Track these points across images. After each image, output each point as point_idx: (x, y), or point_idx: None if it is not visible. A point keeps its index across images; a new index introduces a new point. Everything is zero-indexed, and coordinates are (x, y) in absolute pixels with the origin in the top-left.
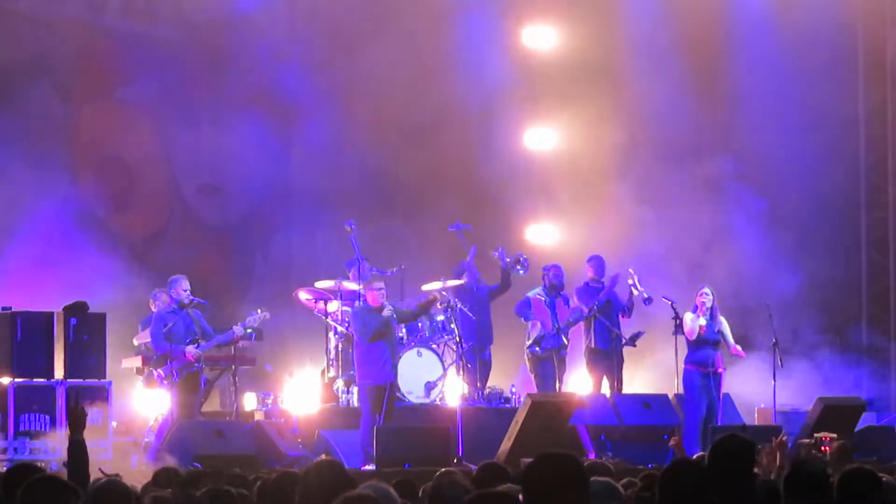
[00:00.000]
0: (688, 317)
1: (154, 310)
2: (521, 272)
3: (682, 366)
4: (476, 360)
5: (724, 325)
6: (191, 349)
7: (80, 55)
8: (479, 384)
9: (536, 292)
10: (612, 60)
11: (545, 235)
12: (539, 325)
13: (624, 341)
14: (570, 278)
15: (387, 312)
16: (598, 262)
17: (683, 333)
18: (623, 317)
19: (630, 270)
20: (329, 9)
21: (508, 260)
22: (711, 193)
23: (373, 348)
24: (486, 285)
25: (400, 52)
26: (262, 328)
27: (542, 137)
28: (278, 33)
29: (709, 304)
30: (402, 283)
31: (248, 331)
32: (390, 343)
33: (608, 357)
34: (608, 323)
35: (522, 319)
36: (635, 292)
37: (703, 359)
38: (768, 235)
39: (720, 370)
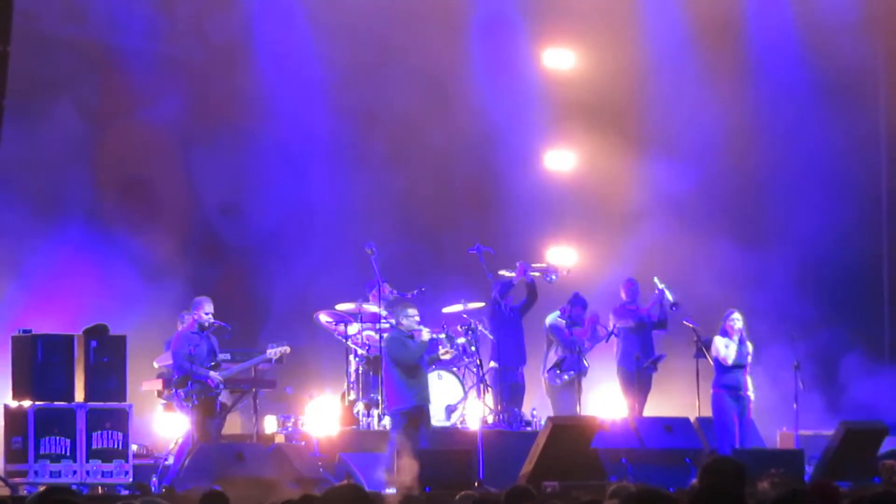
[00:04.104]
0: (720, 342)
1: None
2: (554, 278)
3: (704, 389)
4: (508, 381)
5: (750, 350)
6: (214, 375)
7: (101, 76)
8: (499, 405)
9: (557, 318)
10: (632, 83)
11: (565, 257)
12: (560, 348)
13: (645, 365)
14: (589, 300)
15: (426, 336)
16: (632, 285)
17: (705, 357)
18: (661, 331)
19: (656, 280)
20: (349, 30)
21: (535, 274)
22: (729, 216)
23: (407, 373)
24: (515, 305)
25: (419, 72)
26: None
27: (563, 159)
28: (297, 55)
29: (739, 329)
30: (422, 305)
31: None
32: (424, 369)
33: (632, 377)
34: (633, 345)
35: (555, 338)
36: (670, 298)
37: (733, 382)
38: (789, 257)
39: (748, 393)
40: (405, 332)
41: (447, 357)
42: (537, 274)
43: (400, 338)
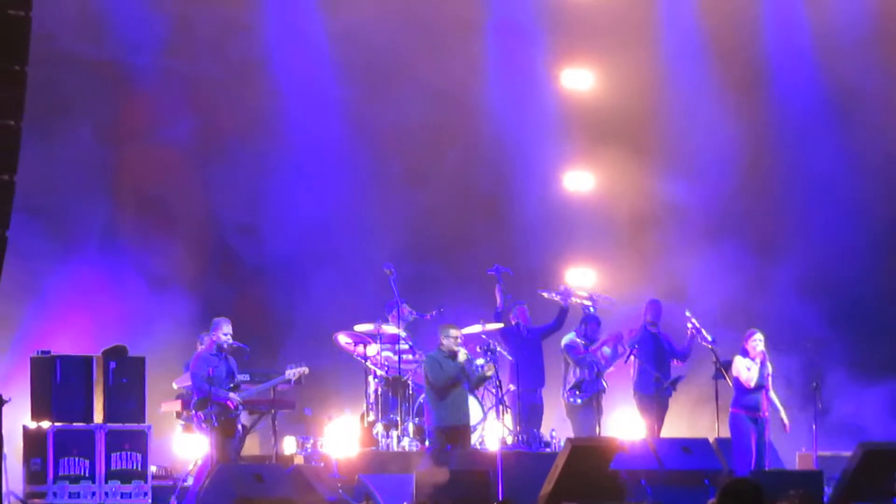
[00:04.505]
0: (742, 363)
1: None
2: (593, 310)
3: (723, 411)
4: (526, 402)
5: (770, 371)
6: (233, 396)
7: (118, 95)
8: (518, 426)
9: (573, 338)
10: (651, 103)
11: (584, 278)
12: (578, 370)
13: (664, 385)
14: (609, 320)
15: (462, 357)
16: (655, 306)
17: (724, 378)
18: (679, 362)
19: (688, 314)
20: (366, 49)
21: (575, 300)
22: (749, 233)
23: (440, 393)
24: (536, 327)
25: (437, 92)
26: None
27: (581, 179)
28: (314, 74)
29: (761, 350)
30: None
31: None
32: (463, 389)
33: (650, 401)
34: (651, 368)
35: (571, 358)
36: (708, 337)
37: (752, 403)
38: (807, 274)
39: (766, 414)
40: (445, 352)
41: (491, 373)
42: (577, 301)
43: (437, 357)
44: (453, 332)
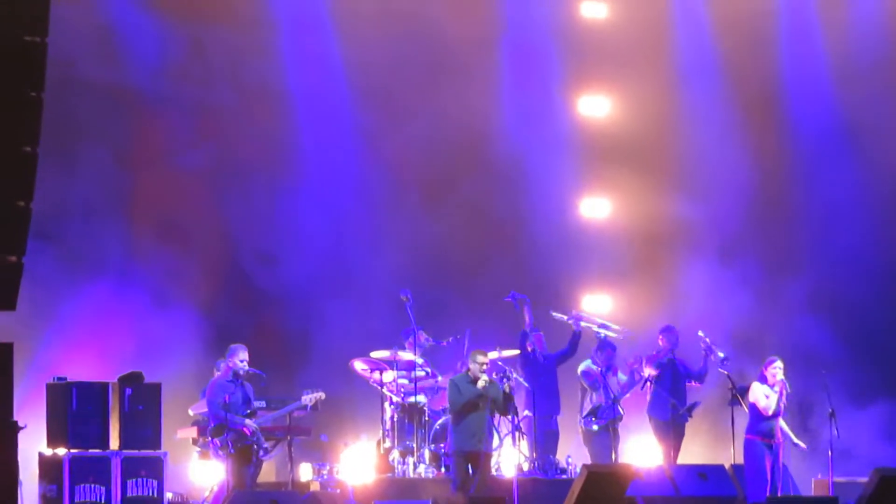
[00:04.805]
0: (760, 390)
1: None
2: (602, 335)
3: (738, 437)
4: (542, 429)
5: (784, 398)
6: (249, 423)
7: (135, 121)
8: (534, 453)
9: (589, 365)
10: (667, 129)
11: (601, 305)
12: (595, 396)
13: (681, 412)
14: (626, 347)
15: (481, 383)
16: (671, 333)
17: (740, 404)
18: (697, 383)
19: (700, 333)
20: (382, 76)
21: (587, 324)
22: (765, 258)
23: (465, 417)
24: (552, 353)
25: (453, 119)
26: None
27: (597, 206)
28: (331, 101)
29: (780, 379)
30: (457, 352)
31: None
32: (483, 415)
33: (666, 427)
34: (666, 393)
35: (587, 384)
36: (720, 354)
37: (767, 430)
38: (820, 298)
39: (781, 440)
40: (469, 376)
41: (508, 389)
42: (590, 326)
43: (457, 381)
44: (480, 358)
